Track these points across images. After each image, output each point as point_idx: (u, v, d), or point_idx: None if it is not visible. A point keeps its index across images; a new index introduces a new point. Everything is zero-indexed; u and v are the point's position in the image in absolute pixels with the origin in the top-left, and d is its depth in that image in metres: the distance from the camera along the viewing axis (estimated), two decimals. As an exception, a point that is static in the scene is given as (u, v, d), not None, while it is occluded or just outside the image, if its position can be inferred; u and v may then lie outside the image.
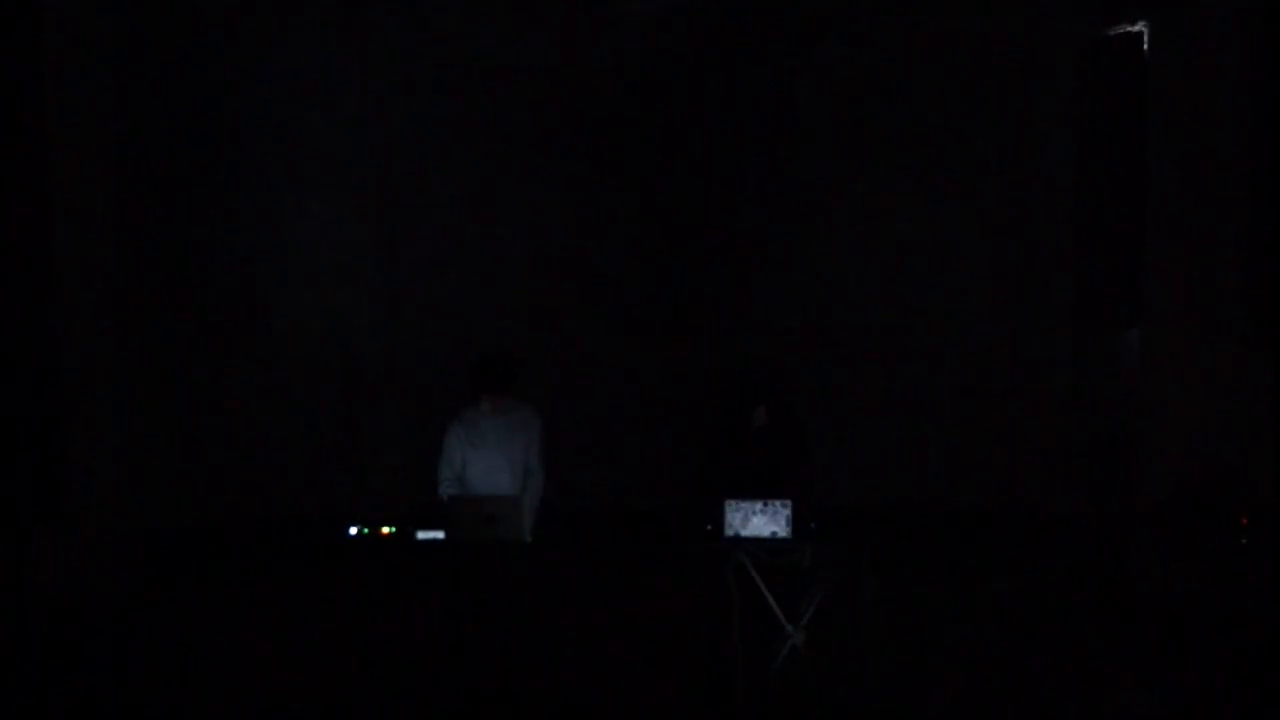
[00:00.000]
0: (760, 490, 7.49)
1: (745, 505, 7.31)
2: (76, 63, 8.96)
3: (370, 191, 11.80)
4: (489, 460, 7.38)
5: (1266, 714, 7.20)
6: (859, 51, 12.16)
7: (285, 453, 11.46)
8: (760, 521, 7.28)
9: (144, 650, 8.26)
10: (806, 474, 7.89)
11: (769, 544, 7.30)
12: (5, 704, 7.28)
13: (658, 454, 11.97)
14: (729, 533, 7.29)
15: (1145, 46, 9.98)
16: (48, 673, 7.77)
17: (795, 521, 7.28)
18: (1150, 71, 9.86)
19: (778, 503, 7.30)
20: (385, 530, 7.33)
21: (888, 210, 12.35)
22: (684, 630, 8.23)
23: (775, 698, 7.27)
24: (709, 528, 7.35)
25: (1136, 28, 10.15)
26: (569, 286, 12.22)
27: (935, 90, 12.22)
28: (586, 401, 11.94)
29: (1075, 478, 10.97)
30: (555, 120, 12.09)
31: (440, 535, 7.20)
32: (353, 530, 7.39)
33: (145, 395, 10.36)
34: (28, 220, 8.72)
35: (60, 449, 8.76)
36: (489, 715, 7.10)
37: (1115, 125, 10.45)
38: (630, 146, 12.19)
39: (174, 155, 11.02)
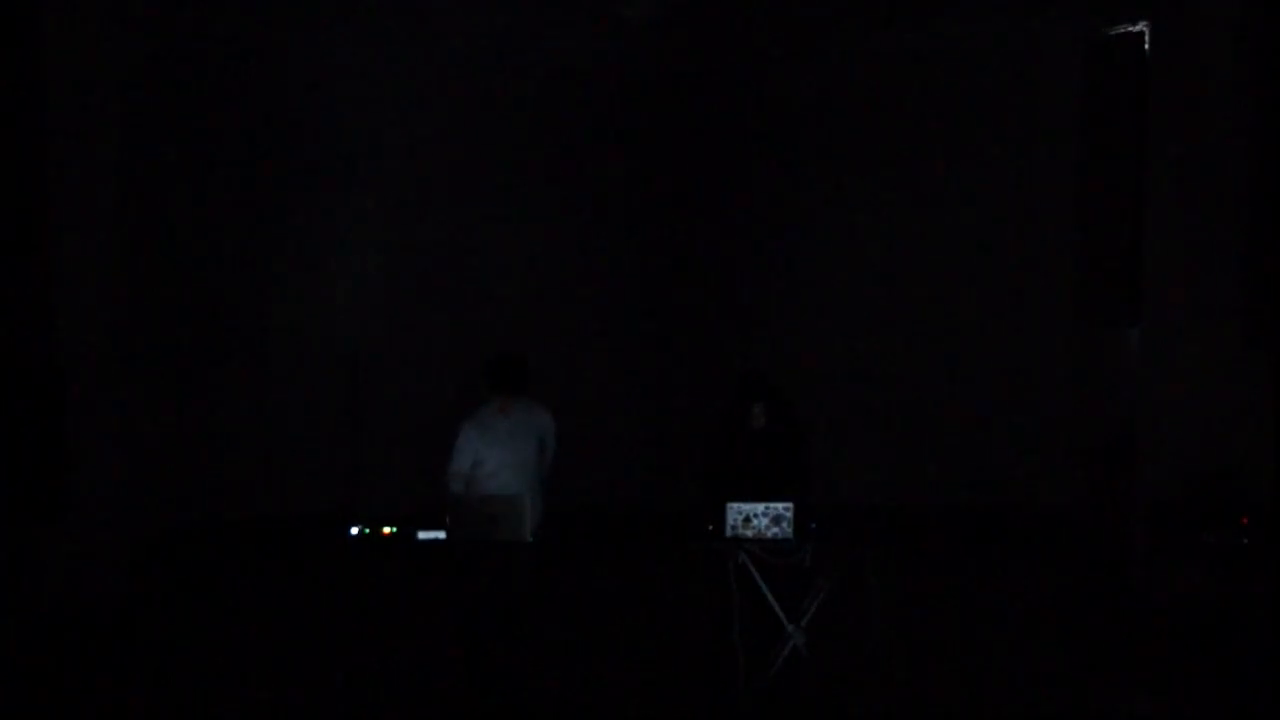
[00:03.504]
0: (761, 489, 7.49)
1: (746, 505, 7.30)
2: (78, 64, 8.96)
3: (371, 191, 11.81)
4: (501, 458, 7.37)
5: (1267, 714, 7.20)
6: (859, 52, 12.17)
7: (285, 453, 11.47)
8: (761, 522, 7.28)
9: (144, 650, 8.27)
10: (806, 472, 7.88)
11: (770, 544, 7.30)
12: (5, 704, 7.28)
13: (658, 454, 11.98)
14: (729, 533, 7.29)
15: (1145, 46, 9.98)
16: (48, 673, 7.77)
17: (796, 521, 7.28)
18: (1150, 71, 9.85)
19: (779, 504, 7.30)
20: (386, 530, 7.33)
21: (888, 210, 12.36)
22: (684, 630, 8.23)
23: (775, 698, 7.27)
24: (710, 527, 7.35)
25: (1136, 28, 10.15)
26: (568, 287, 12.23)
27: (936, 90, 12.23)
28: (587, 401, 11.94)
29: (1075, 478, 10.96)
30: (554, 121, 12.09)
31: (441, 535, 7.20)
32: (353, 530, 7.38)
33: (145, 395, 10.36)
34: (28, 220, 8.71)
35: (60, 449, 8.75)
36: (490, 715, 7.10)
37: (1115, 125, 10.44)
38: (630, 148, 12.20)
39: (174, 156, 11.04)
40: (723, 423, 7.95)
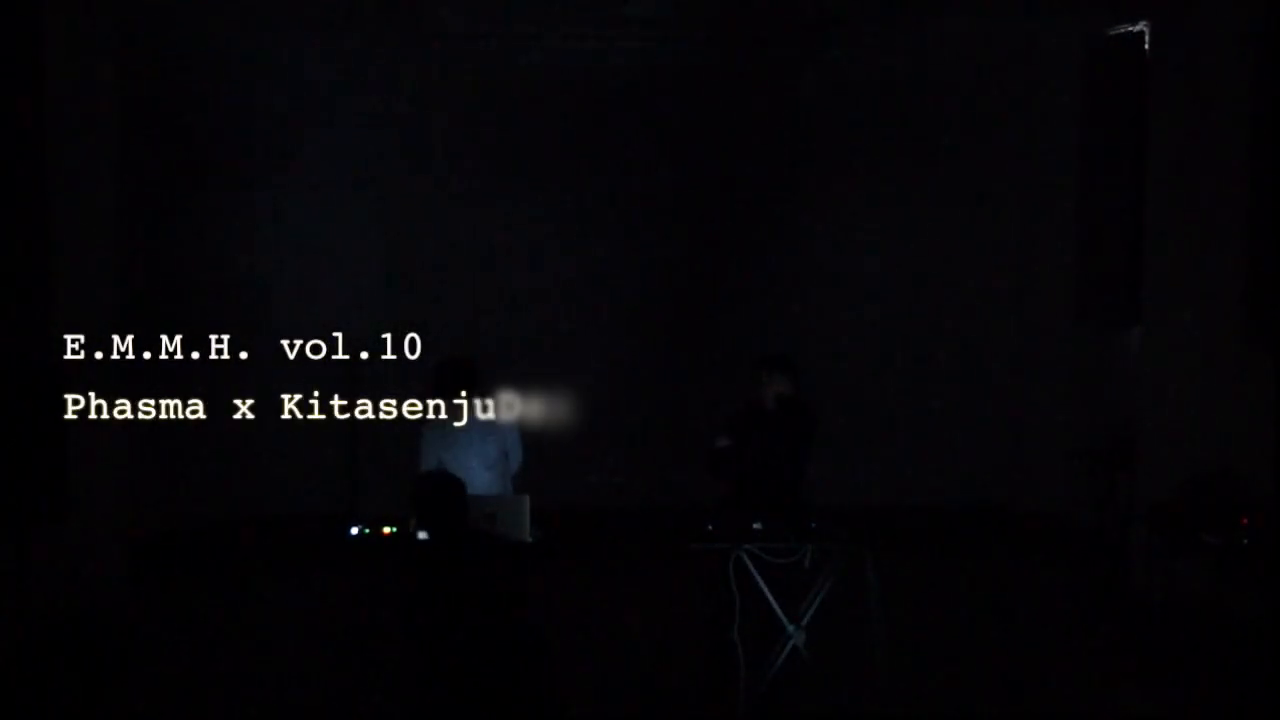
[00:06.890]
0: (762, 467, 7.51)
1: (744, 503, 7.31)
2: (77, 62, 8.95)
3: (370, 191, 11.80)
4: (465, 463, 7.39)
5: (1266, 714, 7.20)
6: (860, 52, 12.16)
7: (285, 453, 11.46)
8: (760, 520, 7.28)
9: (144, 650, 8.26)
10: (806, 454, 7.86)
11: (770, 543, 7.29)
12: (5, 704, 7.28)
13: (660, 454, 11.97)
14: (729, 532, 7.28)
15: (1145, 46, 9.98)
16: (48, 673, 7.77)
17: (796, 521, 7.28)
18: (1150, 71, 9.85)
19: (776, 501, 7.31)
20: (385, 530, 7.33)
21: (889, 210, 12.36)
22: (684, 630, 8.23)
23: (775, 698, 7.27)
24: (710, 527, 7.35)
25: (1136, 28, 10.15)
26: (569, 287, 12.22)
27: (936, 90, 12.23)
28: (587, 402, 11.93)
29: (1075, 478, 10.97)
30: (556, 119, 12.09)
31: (441, 535, 7.18)
32: (353, 530, 7.38)
33: (145, 394, 10.35)
34: (28, 220, 8.70)
35: (60, 450, 8.74)
36: (489, 715, 7.09)
37: (1115, 125, 10.44)
38: (632, 147, 12.19)
39: (174, 155, 11.04)
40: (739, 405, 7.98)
